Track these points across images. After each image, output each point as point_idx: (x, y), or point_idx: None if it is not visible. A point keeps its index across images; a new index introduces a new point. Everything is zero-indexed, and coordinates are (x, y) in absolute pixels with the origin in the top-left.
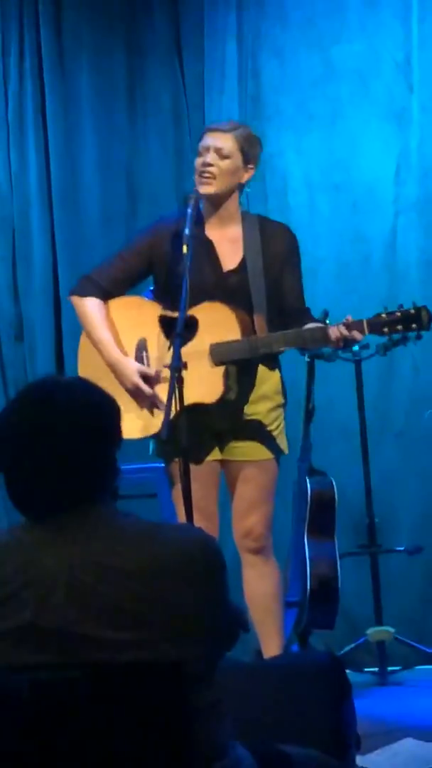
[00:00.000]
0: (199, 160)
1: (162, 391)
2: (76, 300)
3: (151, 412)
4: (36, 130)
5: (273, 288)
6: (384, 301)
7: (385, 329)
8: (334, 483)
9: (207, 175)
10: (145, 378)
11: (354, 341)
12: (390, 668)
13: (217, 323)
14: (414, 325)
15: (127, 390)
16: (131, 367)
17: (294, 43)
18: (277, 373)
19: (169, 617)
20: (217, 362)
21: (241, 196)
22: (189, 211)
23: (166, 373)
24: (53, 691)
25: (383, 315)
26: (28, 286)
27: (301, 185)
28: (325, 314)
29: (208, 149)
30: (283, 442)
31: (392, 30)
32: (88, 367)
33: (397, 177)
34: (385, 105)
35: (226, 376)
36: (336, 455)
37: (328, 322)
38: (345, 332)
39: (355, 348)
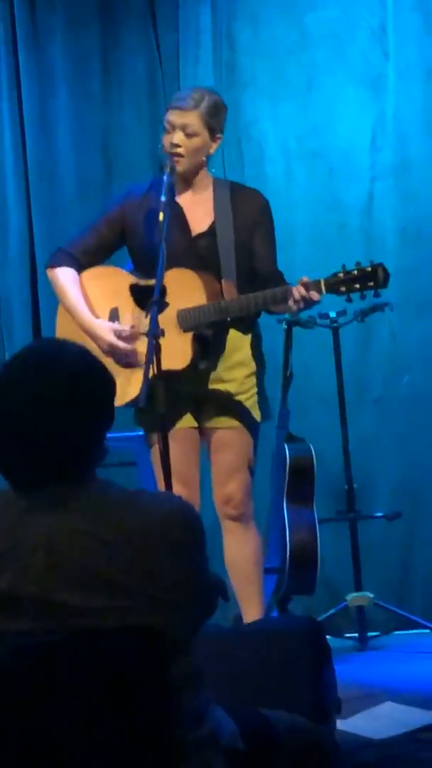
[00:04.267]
0: (166, 138)
1: (137, 347)
2: (49, 272)
3: (131, 368)
4: (10, 101)
5: (243, 253)
6: None
7: (343, 288)
8: (312, 449)
9: (175, 154)
10: (120, 336)
11: (312, 302)
12: (370, 633)
13: (183, 290)
14: (371, 283)
15: (104, 351)
16: (104, 327)
17: (269, 9)
18: (250, 338)
19: (149, 585)
20: (185, 328)
21: (209, 166)
22: (165, 178)
23: (141, 328)
24: (34, 657)
25: (340, 274)
26: (4, 258)
27: (277, 153)
28: None
29: (174, 127)
30: (257, 409)
31: None
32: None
33: (373, 144)
34: (360, 72)
35: (194, 342)
36: (314, 422)
37: None
38: (303, 293)
39: (332, 314)
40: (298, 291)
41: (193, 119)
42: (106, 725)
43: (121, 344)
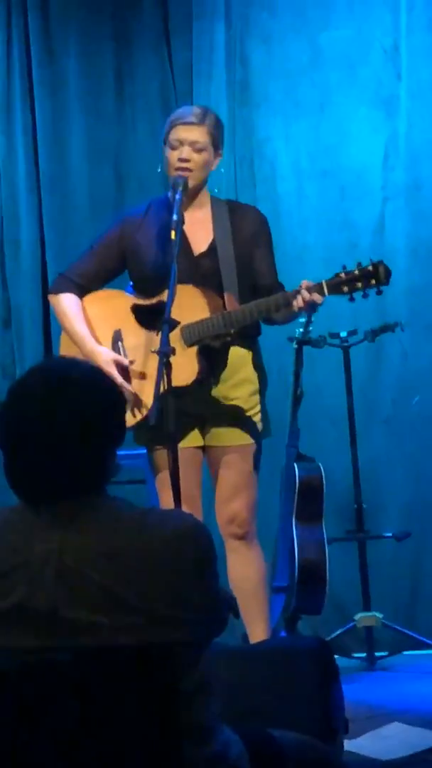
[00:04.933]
0: (173, 154)
1: (134, 381)
2: (52, 298)
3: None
4: (24, 115)
5: (244, 269)
6: None
7: (345, 288)
8: (322, 468)
9: (185, 170)
10: (120, 367)
11: (316, 304)
12: (378, 653)
13: (186, 306)
14: (372, 281)
15: None
16: (106, 358)
17: (282, 29)
18: (252, 355)
19: (159, 602)
20: (189, 343)
21: (210, 185)
22: (178, 196)
23: (139, 359)
24: (42, 674)
25: (341, 274)
26: (16, 272)
27: (289, 172)
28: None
29: (182, 143)
30: (261, 426)
31: (381, 17)
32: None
33: (385, 163)
34: (373, 92)
35: (200, 356)
36: (324, 441)
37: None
38: (306, 296)
39: (343, 334)
40: (301, 295)
41: (200, 134)
42: (115, 743)
43: (119, 380)
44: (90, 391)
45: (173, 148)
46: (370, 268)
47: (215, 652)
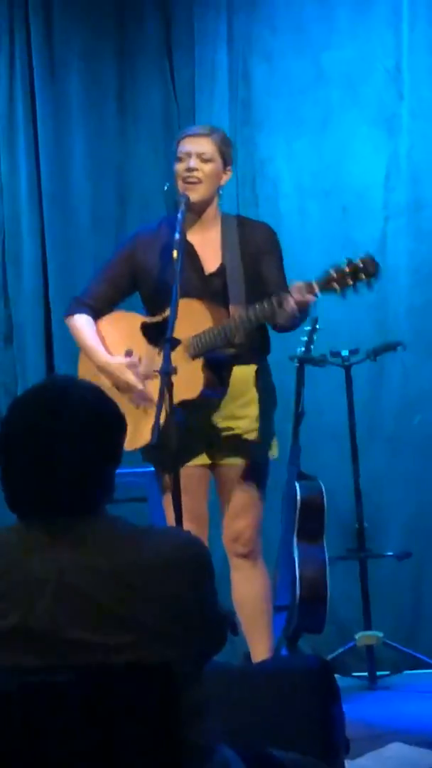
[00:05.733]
0: (181, 166)
1: (150, 387)
2: (67, 321)
3: (145, 408)
4: (26, 133)
5: (252, 281)
6: (374, 305)
7: (336, 285)
8: (323, 487)
9: (193, 180)
10: (134, 369)
11: (308, 304)
12: (378, 673)
13: (190, 319)
14: (362, 275)
15: (121, 389)
16: (120, 365)
17: (284, 48)
18: (260, 375)
19: (157, 619)
20: (194, 355)
21: (219, 199)
22: (180, 216)
23: (146, 367)
24: (43, 693)
25: (332, 272)
26: (18, 289)
27: (291, 190)
28: (314, 321)
29: (189, 155)
30: (272, 446)
31: (382, 37)
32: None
33: (387, 183)
34: (374, 111)
35: (205, 367)
36: (325, 460)
37: (317, 327)
38: (298, 297)
39: (345, 353)
40: (292, 297)
41: (207, 145)
42: (116, 762)
43: (137, 385)
44: (88, 410)
45: (181, 161)
46: (360, 263)
47: (216, 670)
